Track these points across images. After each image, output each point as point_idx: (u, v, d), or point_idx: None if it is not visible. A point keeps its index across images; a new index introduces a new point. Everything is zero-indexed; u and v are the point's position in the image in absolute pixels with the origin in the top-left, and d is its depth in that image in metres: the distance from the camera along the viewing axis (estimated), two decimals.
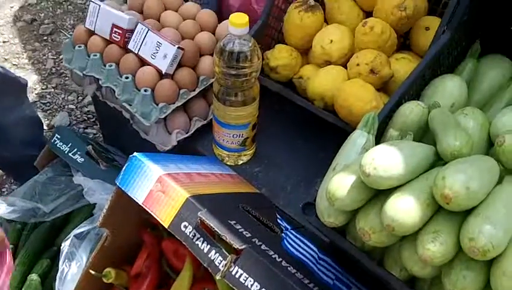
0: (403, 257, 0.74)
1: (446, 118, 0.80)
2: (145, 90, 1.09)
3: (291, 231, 0.97)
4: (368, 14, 1.18)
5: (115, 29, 1.14)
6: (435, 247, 0.67)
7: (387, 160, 0.69)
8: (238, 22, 0.93)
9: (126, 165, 0.95)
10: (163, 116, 1.10)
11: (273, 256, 0.84)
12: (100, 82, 1.16)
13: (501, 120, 0.83)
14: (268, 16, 1.16)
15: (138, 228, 1.09)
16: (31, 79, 1.94)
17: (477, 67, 1.00)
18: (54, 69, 1.99)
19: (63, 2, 2.25)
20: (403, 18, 1.08)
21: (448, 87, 0.90)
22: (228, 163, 1.13)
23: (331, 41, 1.11)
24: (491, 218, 0.66)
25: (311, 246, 0.96)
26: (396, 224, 0.68)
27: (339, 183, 0.73)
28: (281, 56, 1.15)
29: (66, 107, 1.89)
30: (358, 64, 1.05)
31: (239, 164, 1.14)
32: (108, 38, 1.16)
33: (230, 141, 1.09)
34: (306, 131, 1.18)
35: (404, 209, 0.68)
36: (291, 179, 1.13)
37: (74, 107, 1.89)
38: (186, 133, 1.14)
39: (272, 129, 1.21)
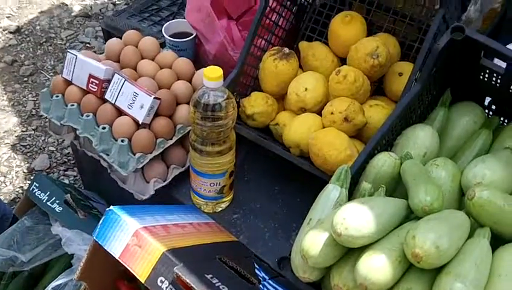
0: None
1: (418, 171, 0.81)
2: (122, 141, 1.09)
3: (269, 281, 0.97)
4: (342, 59, 1.21)
5: (91, 79, 1.14)
6: None
7: (358, 219, 0.69)
8: (212, 76, 0.94)
9: (103, 218, 0.95)
10: (140, 166, 1.10)
11: None
12: (77, 132, 1.16)
13: (472, 171, 0.84)
14: (243, 64, 1.17)
15: (116, 279, 1.07)
16: (11, 121, 1.94)
17: (449, 115, 1.01)
18: (34, 110, 1.98)
19: (43, 43, 2.26)
20: (376, 66, 1.10)
21: (420, 137, 0.91)
22: (206, 210, 1.13)
23: (306, 89, 1.13)
24: (461, 275, 0.66)
25: None
26: (369, 283, 0.68)
27: (312, 241, 0.73)
28: (257, 104, 1.16)
29: (46, 149, 1.87)
30: (332, 113, 1.07)
31: (217, 211, 1.13)
32: (85, 88, 1.16)
33: (207, 190, 1.08)
34: (284, 177, 1.18)
35: (376, 267, 0.68)
36: (270, 225, 1.13)
37: (54, 149, 1.87)
38: (164, 181, 1.14)
39: (250, 175, 1.21)
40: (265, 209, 1.15)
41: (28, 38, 2.28)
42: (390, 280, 0.68)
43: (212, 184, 1.08)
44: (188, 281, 0.83)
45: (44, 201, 1.27)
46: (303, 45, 1.25)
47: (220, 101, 0.97)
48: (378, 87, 1.22)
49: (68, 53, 1.17)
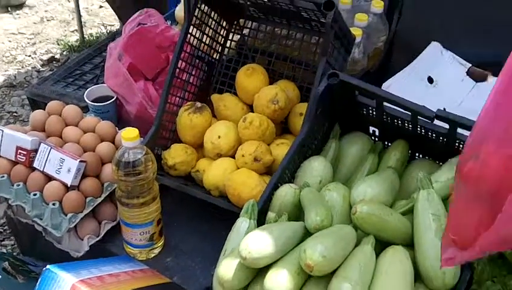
0: None
1: (312, 197, 0.98)
2: (53, 204, 1.20)
3: None
4: (251, 106, 1.38)
5: (19, 150, 1.25)
6: None
7: (258, 243, 0.84)
8: (129, 136, 1.08)
9: (40, 278, 1.05)
10: (72, 225, 1.21)
11: None
12: (10, 201, 1.25)
13: (357, 191, 1.02)
14: (160, 120, 1.32)
15: None
16: None
17: (341, 145, 1.20)
18: None
19: None
20: (277, 110, 1.28)
21: (315, 168, 1.09)
22: (140, 258, 1.24)
23: (219, 137, 1.29)
24: (348, 277, 0.82)
25: None
26: None
27: (226, 268, 0.87)
28: (177, 155, 1.30)
29: None
30: (243, 155, 1.23)
31: (151, 257, 1.25)
32: (14, 159, 1.27)
33: (138, 239, 1.20)
34: (209, 216, 1.32)
35: (279, 281, 0.83)
36: (201, 263, 1.25)
37: None
38: (97, 236, 1.25)
39: (180, 219, 1.34)
40: (195, 249, 1.28)
41: None
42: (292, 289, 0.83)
43: (142, 233, 1.20)
44: None
45: None
46: (215, 97, 1.42)
47: (140, 157, 1.11)
48: (286, 128, 1.40)
49: None
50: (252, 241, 0.84)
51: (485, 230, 0.70)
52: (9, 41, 2.84)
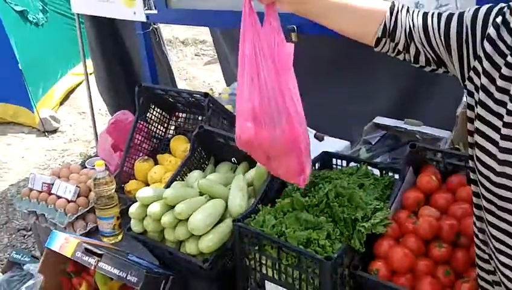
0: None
1: (184, 184, 2.13)
2: (61, 210, 2.39)
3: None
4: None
5: (44, 184, 2.48)
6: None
7: (146, 192, 1.99)
8: (99, 164, 2.30)
9: (49, 237, 2.20)
10: (71, 220, 2.38)
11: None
12: (37, 212, 2.45)
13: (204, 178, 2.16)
14: (122, 168, 2.54)
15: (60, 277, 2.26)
16: None
17: (217, 168, 2.36)
18: None
19: None
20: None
21: (193, 175, 2.25)
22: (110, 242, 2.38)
23: (155, 172, 2.50)
24: (183, 203, 1.95)
25: None
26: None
27: (133, 209, 2.01)
28: (131, 185, 2.50)
29: None
30: (163, 180, 2.41)
31: (116, 242, 2.38)
32: (40, 190, 2.49)
33: (105, 228, 2.35)
34: None
35: (153, 207, 1.96)
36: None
37: None
38: (85, 230, 2.41)
39: None
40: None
41: None
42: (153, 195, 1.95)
43: (108, 224, 2.35)
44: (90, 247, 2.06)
45: None
46: (159, 156, 2.64)
47: (104, 176, 2.31)
48: None
49: None
50: (143, 191, 1.99)
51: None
52: (45, 155, 4.22)
